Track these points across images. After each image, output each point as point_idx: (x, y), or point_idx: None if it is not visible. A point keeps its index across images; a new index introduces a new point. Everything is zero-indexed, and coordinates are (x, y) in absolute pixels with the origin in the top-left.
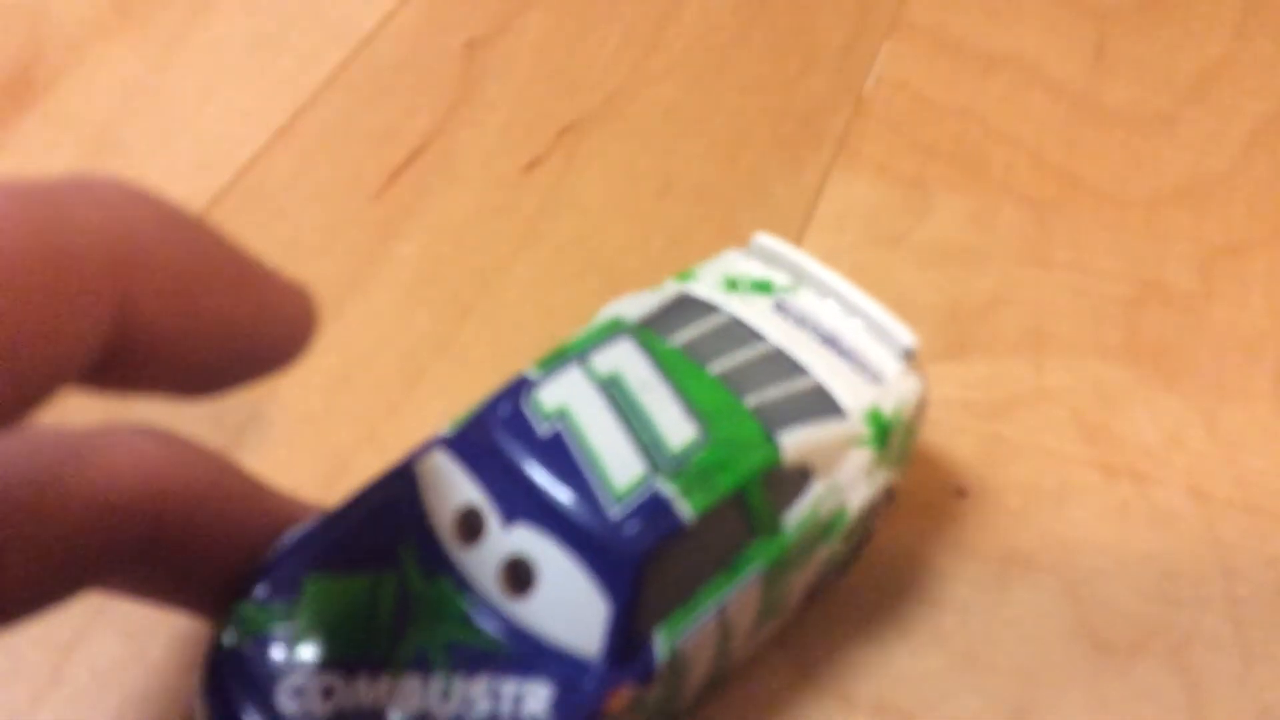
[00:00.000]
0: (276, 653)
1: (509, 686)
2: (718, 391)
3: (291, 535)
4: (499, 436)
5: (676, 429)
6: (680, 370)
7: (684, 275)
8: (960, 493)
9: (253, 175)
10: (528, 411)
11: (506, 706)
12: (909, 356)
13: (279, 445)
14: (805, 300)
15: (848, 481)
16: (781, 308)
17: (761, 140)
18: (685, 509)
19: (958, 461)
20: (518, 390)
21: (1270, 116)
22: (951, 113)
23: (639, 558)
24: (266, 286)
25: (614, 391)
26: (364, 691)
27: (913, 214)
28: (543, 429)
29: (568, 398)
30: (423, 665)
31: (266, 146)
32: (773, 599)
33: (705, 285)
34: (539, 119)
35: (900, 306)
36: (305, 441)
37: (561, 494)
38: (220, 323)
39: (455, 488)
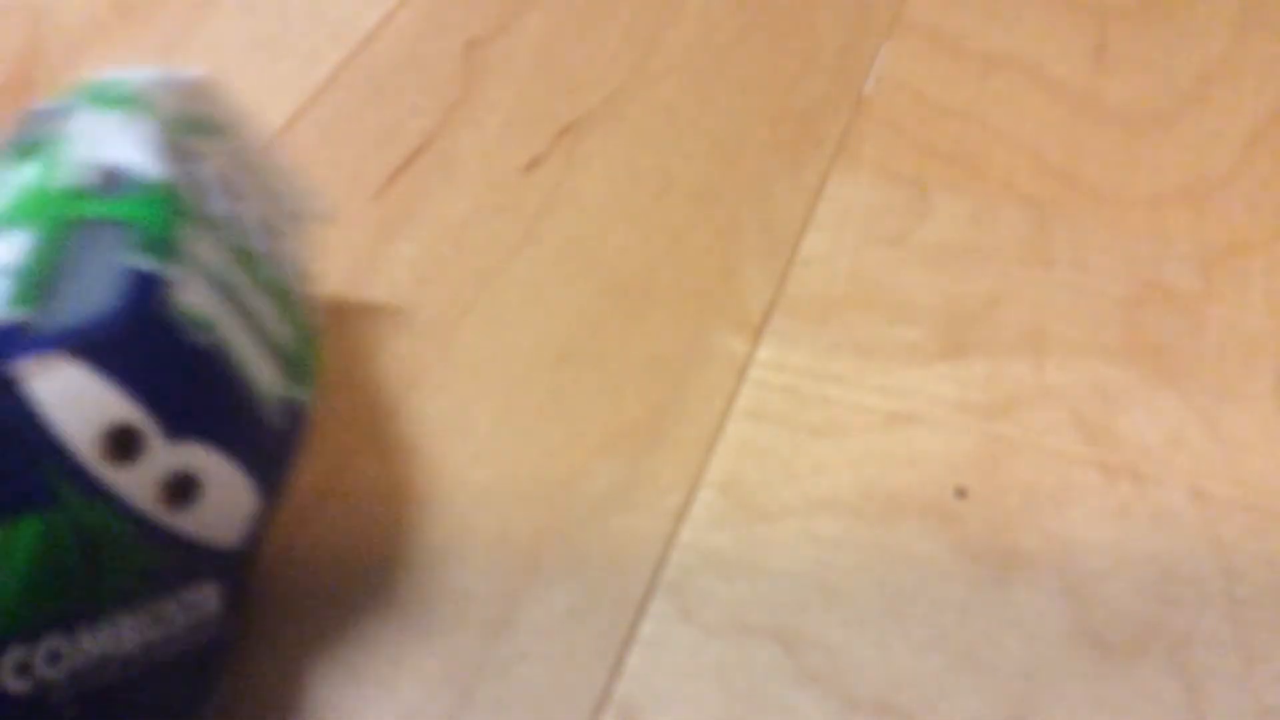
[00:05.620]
0: None
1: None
2: None
3: None
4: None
5: None
6: None
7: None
8: (960, 493)
9: None
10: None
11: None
12: None
13: None
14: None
15: None
16: None
17: (761, 140)
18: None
19: (958, 461)
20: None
21: (1270, 116)
22: (951, 113)
23: None
24: None
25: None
26: (89, 645)
27: (913, 214)
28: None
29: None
30: (128, 602)
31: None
32: None
33: None
34: (539, 119)
35: (900, 306)
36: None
37: None
38: None
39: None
